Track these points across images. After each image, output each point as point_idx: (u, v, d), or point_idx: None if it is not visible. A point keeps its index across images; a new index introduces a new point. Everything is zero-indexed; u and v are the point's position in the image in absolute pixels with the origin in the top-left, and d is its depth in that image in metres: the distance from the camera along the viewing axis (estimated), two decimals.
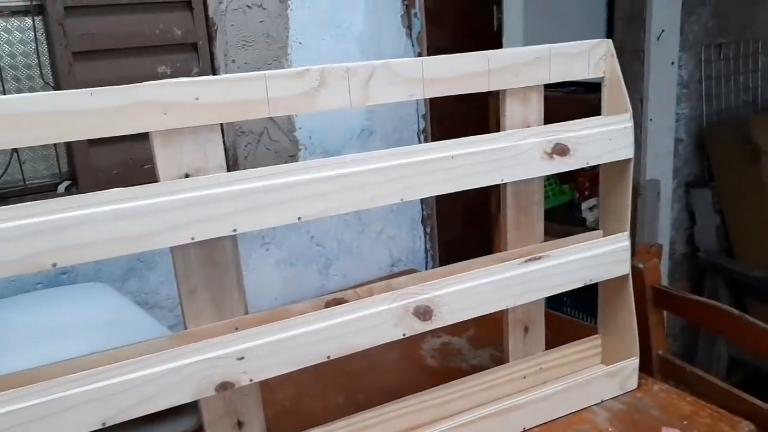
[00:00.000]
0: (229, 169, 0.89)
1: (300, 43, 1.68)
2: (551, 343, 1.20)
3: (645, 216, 2.37)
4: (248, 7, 1.60)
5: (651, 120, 2.32)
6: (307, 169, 0.89)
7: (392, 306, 0.98)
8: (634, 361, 1.21)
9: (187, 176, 0.85)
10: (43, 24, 1.42)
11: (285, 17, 1.66)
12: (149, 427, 1.11)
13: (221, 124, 0.89)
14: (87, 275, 1.49)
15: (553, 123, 1.08)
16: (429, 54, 1.90)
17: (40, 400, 0.77)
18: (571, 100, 2.54)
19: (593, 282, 1.16)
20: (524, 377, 1.17)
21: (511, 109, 1.08)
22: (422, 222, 1.99)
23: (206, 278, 0.91)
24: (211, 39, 1.57)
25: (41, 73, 1.44)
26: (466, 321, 1.04)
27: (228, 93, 0.86)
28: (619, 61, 1.12)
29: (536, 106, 1.10)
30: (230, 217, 0.85)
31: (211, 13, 1.56)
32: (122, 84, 0.81)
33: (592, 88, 2.61)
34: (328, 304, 0.98)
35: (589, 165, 1.10)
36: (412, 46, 1.88)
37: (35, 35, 1.42)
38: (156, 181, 0.84)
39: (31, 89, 1.44)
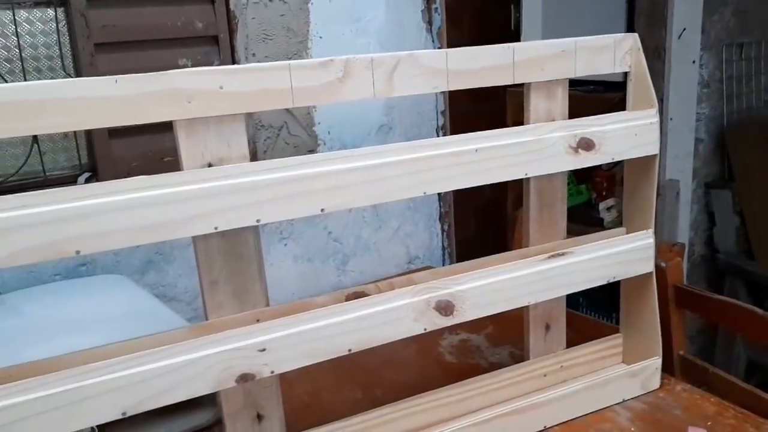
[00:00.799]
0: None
1: (320, 37, 1.68)
2: (571, 342, 1.18)
3: (664, 216, 2.34)
4: (269, 0, 1.60)
5: (671, 119, 2.29)
6: (331, 161, 0.88)
7: (413, 300, 0.97)
8: (657, 361, 1.19)
9: (210, 166, 0.85)
10: (65, 15, 1.43)
11: (306, 11, 1.65)
12: (168, 420, 1.11)
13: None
14: (106, 267, 1.49)
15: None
16: None
17: (59, 389, 0.77)
18: (590, 99, 2.51)
19: (617, 279, 1.14)
20: (545, 375, 1.15)
21: (535, 104, 1.06)
22: (440, 219, 1.98)
23: (228, 269, 0.90)
24: (232, 32, 1.57)
25: (63, 64, 1.44)
26: (484, 318, 1.03)
27: (252, 82, 0.85)
28: None
29: (561, 100, 1.09)
30: (253, 207, 0.84)
31: (232, 6, 1.56)
32: None
33: (611, 87, 2.59)
34: (348, 298, 0.97)
35: (614, 160, 1.09)
36: (432, 41, 1.87)
37: (57, 26, 1.43)
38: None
39: None
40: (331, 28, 1.69)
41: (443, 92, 1.84)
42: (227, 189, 0.83)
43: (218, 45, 1.56)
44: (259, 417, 0.95)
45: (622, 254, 1.12)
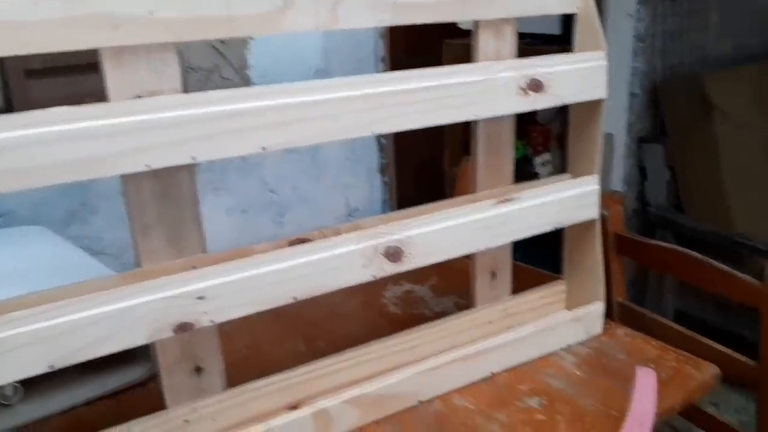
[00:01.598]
0: None
1: None
2: (515, 292, 1.17)
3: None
4: None
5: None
6: (273, 93, 0.82)
7: (361, 246, 0.93)
8: (600, 306, 1.20)
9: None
10: None
11: None
12: (102, 376, 1.05)
13: None
14: (24, 218, 1.39)
15: None
16: None
17: None
18: (528, 51, 2.50)
19: (563, 226, 1.13)
20: (490, 322, 1.14)
21: (485, 43, 1.03)
22: (380, 171, 1.94)
23: (162, 213, 0.84)
24: None
25: None
26: (428, 269, 1.00)
27: (186, 8, 0.78)
28: None
29: (510, 40, 1.06)
30: (188, 143, 0.78)
31: None
32: None
33: (549, 40, 2.59)
34: (291, 244, 0.92)
35: (563, 103, 1.07)
36: None
37: None
38: None
39: None
40: None
41: (384, 38, 1.78)
42: (160, 122, 0.76)
43: None
44: (198, 370, 0.90)
45: (569, 200, 1.11)
